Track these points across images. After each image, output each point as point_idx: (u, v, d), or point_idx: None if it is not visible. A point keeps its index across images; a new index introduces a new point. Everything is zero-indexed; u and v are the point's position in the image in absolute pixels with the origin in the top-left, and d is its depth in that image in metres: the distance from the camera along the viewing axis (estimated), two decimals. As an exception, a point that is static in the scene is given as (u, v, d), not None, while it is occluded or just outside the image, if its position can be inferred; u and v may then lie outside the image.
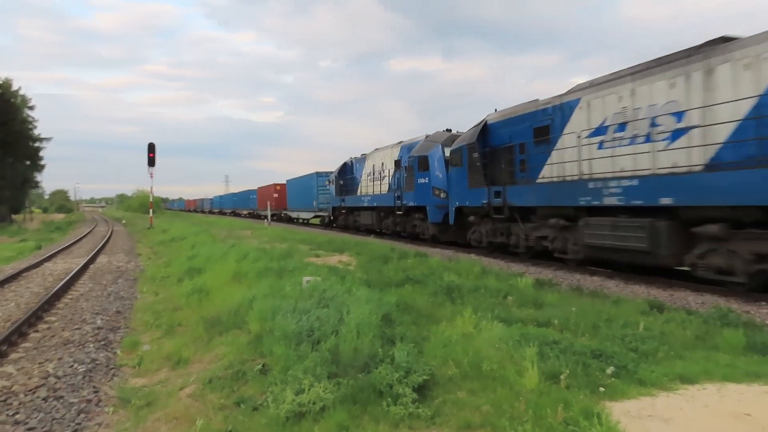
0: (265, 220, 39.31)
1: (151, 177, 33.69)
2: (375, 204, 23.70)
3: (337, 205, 29.36)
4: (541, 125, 12.73)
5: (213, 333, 6.63)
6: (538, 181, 12.68)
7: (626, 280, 10.25)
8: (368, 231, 25.58)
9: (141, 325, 8.17)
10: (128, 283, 12.18)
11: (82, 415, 4.70)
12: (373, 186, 24.17)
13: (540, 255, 13.33)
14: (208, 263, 12.32)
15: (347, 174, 28.41)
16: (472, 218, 15.51)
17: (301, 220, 41.11)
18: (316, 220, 37.75)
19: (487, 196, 14.17)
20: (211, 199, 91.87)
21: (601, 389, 3.98)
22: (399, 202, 20.76)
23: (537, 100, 13.27)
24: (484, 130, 14.99)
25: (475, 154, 14.81)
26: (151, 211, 38.57)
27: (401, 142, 21.90)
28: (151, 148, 32.45)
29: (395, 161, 21.53)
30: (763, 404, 3.76)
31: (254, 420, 4.00)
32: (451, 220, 16.62)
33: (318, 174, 34.97)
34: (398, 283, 8.80)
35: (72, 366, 6.00)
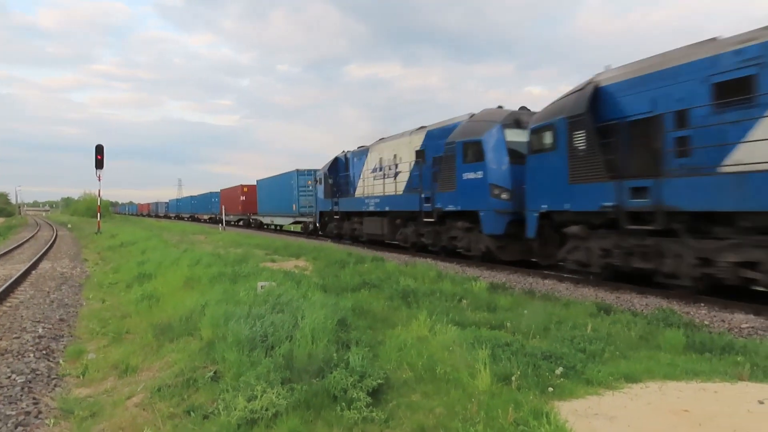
0: (220, 225, 38.43)
1: (99, 180, 32.44)
2: (387, 208, 18.35)
3: (326, 209, 24.07)
4: (732, 77, 7.88)
5: (163, 340, 6.44)
6: (726, 168, 7.84)
7: (576, 283, 10.57)
8: (374, 243, 20.34)
9: (86, 333, 7.85)
10: (73, 290, 11.68)
11: (20, 428, 4.47)
12: (382, 185, 19.04)
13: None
14: (159, 269, 11.97)
15: (340, 171, 23.70)
16: (573, 229, 10.61)
17: (274, 227, 36.33)
18: (297, 227, 32.55)
19: (615, 195, 9.35)
20: (166, 202, 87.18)
21: (550, 389, 4.09)
22: (429, 205, 15.50)
23: (715, 39, 8.60)
24: (595, 97, 10.04)
25: (583, 133, 10.00)
26: (98, 215, 37.13)
27: (423, 127, 17.16)
28: (99, 150, 31.27)
29: (416, 151, 16.46)
30: (700, 400, 3.95)
31: (204, 428, 3.90)
32: (531, 232, 11.63)
33: (299, 172, 29.86)
34: (354, 288, 8.79)
35: (9, 377, 5.69)
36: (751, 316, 7.49)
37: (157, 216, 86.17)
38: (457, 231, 14.70)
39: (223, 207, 42.84)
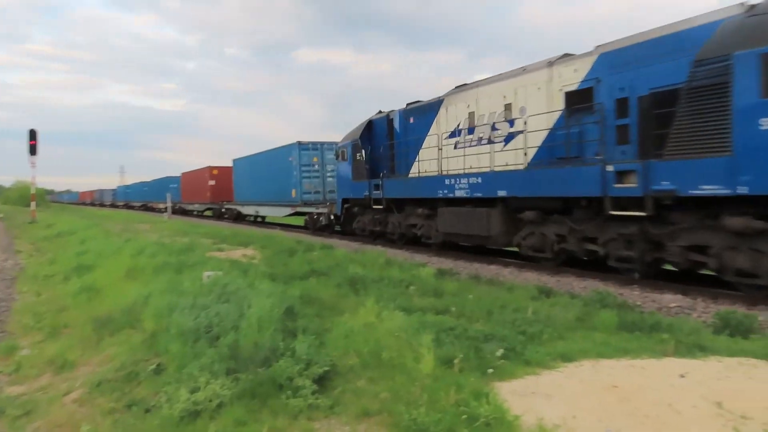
0: (165, 213, 36.87)
1: (33, 167, 30.73)
2: (500, 192, 11.15)
3: (357, 195, 16.82)
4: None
5: (103, 333, 6.24)
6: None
7: (520, 268, 10.92)
8: (458, 249, 13.87)
9: (20, 328, 7.48)
10: (5, 284, 11.08)
11: (-53, 430, 4.25)
12: (480, 155, 12.04)
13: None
14: (99, 259, 11.52)
15: (379, 140, 16.28)
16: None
17: (260, 219, 29.50)
18: (297, 221, 24.62)
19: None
20: (113, 189, 79.46)
21: (491, 371, 4.24)
22: (632, 187, 8.42)
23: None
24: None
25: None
26: (33, 203, 35.21)
27: (598, 46, 9.52)
28: (33, 135, 29.57)
29: (570, 92, 9.97)
30: (629, 376, 4.20)
31: (146, 422, 3.83)
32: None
33: (301, 145, 22.43)
34: (303, 276, 8.77)
35: (-66, 377, 5.39)
36: (679, 296, 7.97)
37: (101, 205, 79.16)
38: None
39: (183, 194, 37.47)
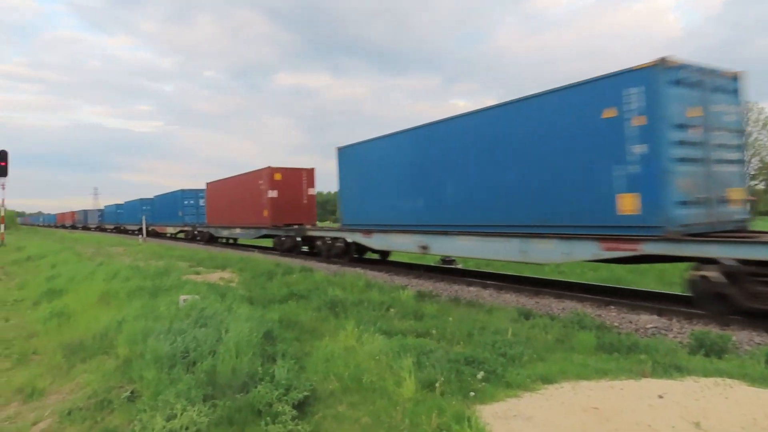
0: (140, 237, 36.19)
1: (2, 189, 30.01)
2: None
3: None
4: None
5: (74, 360, 6.06)
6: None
7: (499, 289, 10.97)
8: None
9: (-14, 355, 7.21)
10: (-29, 309, 10.71)
11: None
12: None
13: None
14: (71, 284, 11.24)
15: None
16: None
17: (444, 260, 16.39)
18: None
19: None
20: (100, 210, 67.52)
21: (472, 394, 4.22)
22: None
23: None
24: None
25: None
26: (2, 226, 34.29)
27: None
28: (2, 156, 28.96)
29: None
30: (609, 398, 4.22)
31: (119, 452, 3.71)
32: None
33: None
34: (282, 299, 8.68)
35: None
36: (655, 317, 8.09)
37: (84, 228, 69.32)
38: None
39: (211, 213, 29.83)
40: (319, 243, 18.25)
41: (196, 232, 32.84)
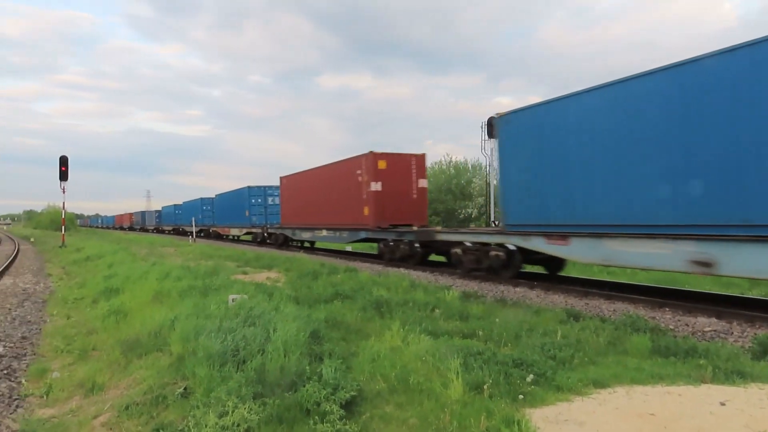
0: (190, 237, 37.28)
1: (63, 192, 31.60)
2: None
3: None
4: None
5: (131, 356, 6.29)
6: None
7: (546, 290, 10.74)
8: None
9: (50, 351, 7.60)
10: (36, 306, 11.31)
11: (-20, 453, 4.31)
12: None
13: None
14: (126, 283, 11.69)
15: None
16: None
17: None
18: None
19: None
20: (157, 211, 64.24)
21: (522, 397, 4.15)
22: None
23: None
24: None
25: None
26: (63, 228, 36.11)
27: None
28: (64, 161, 30.49)
29: None
30: (666, 404, 4.06)
31: (174, 446, 3.82)
32: None
33: None
34: (327, 299, 8.77)
35: (-32, 399, 5.48)
36: (714, 320, 7.73)
37: (142, 229, 68.27)
38: None
39: (289, 212, 25.29)
40: (457, 251, 13.74)
41: (266, 234, 28.87)
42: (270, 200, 30.78)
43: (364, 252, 22.09)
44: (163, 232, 56.05)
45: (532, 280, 11.93)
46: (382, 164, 17.41)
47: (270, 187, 30.78)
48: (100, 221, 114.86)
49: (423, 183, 18.28)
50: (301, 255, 20.30)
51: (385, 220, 17.52)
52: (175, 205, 53.65)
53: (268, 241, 28.91)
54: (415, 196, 18.05)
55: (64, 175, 30.50)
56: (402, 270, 14.65)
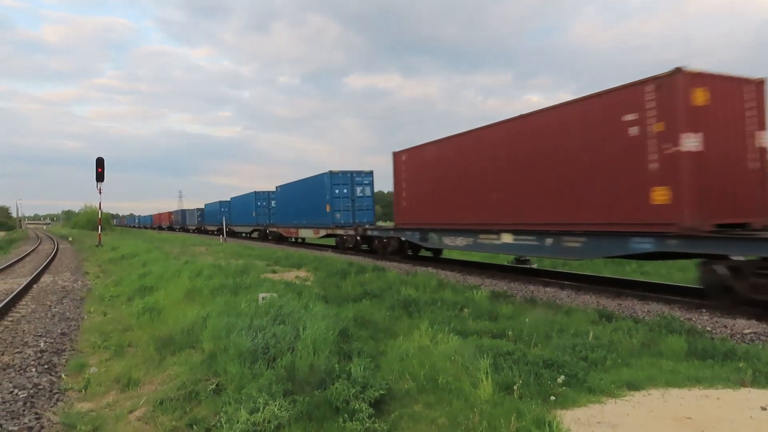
0: (221, 237, 37.57)
1: (100, 192, 32.52)
2: None
3: None
4: None
5: (165, 353, 6.44)
6: None
7: (577, 290, 10.56)
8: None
9: (88, 346, 7.83)
10: (74, 304, 11.68)
11: (23, 444, 4.46)
12: None
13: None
14: (160, 281, 11.97)
15: None
16: None
17: None
18: None
19: None
20: (200, 209, 57.32)
21: (552, 398, 4.09)
22: None
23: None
24: None
25: None
26: (99, 227, 37.17)
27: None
28: (100, 162, 31.39)
29: None
30: (703, 407, 3.94)
31: (207, 442, 3.90)
32: None
33: None
34: (356, 298, 8.80)
35: (12, 392, 5.69)
36: (753, 322, 7.47)
37: (182, 229, 63.94)
38: None
39: (414, 206, 16.49)
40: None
41: (359, 238, 20.79)
42: (359, 190, 23.19)
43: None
44: (206, 232, 50.06)
45: (562, 280, 11.75)
46: (700, 96, 8.60)
47: (359, 173, 23.41)
48: (137, 221, 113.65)
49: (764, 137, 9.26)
50: (330, 254, 20.34)
51: (713, 214, 8.60)
52: (220, 201, 47.23)
53: (364, 247, 20.76)
54: (753, 163, 9.09)
55: (100, 176, 31.39)
56: (430, 269, 14.61)
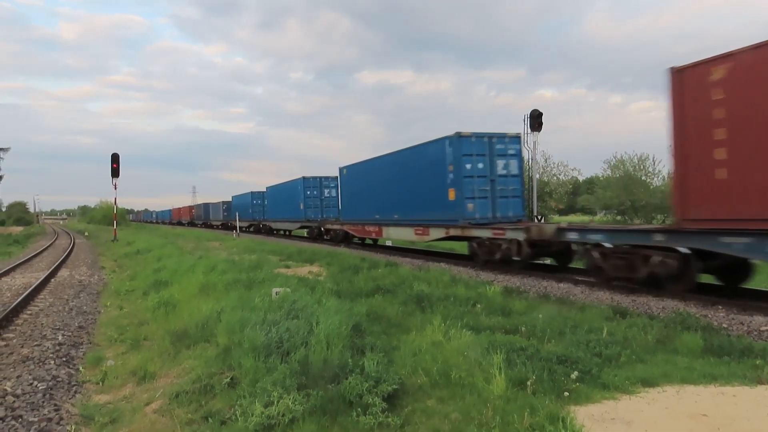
0: (234, 231, 37.68)
1: (115, 188, 32.90)
2: None
3: None
4: None
5: (180, 347, 6.52)
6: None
7: (591, 286, 10.49)
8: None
9: (105, 340, 7.96)
10: (91, 297, 11.85)
11: (43, 435, 4.55)
12: None
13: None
14: (174, 276, 12.10)
15: None
16: None
17: None
18: None
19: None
20: (225, 202, 51.56)
21: (566, 394, 4.08)
22: None
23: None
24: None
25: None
26: (114, 222, 37.61)
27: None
28: (115, 158, 31.74)
29: None
30: (719, 405, 3.91)
31: (223, 434, 3.95)
32: None
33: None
34: (369, 293, 8.83)
35: (32, 384, 5.80)
36: (771, 319, 7.38)
37: (204, 225, 59.18)
38: None
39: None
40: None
41: (514, 246, 12.87)
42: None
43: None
44: (234, 228, 38.26)
45: (574, 274, 11.69)
46: None
47: (503, 137, 15.14)
48: (154, 216, 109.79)
49: None
50: (342, 249, 20.46)
51: None
52: (252, 192, 40.02)
53: (514, 258, 13.15)
54: None
55: (115, 172, 31.74)
56: (443, 265, 14.59)
